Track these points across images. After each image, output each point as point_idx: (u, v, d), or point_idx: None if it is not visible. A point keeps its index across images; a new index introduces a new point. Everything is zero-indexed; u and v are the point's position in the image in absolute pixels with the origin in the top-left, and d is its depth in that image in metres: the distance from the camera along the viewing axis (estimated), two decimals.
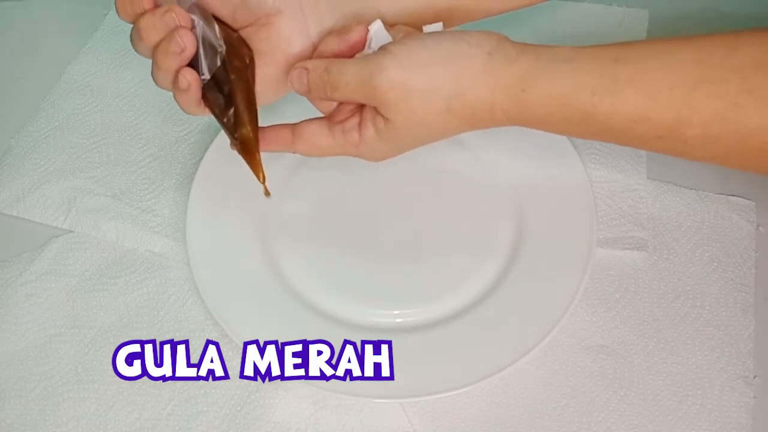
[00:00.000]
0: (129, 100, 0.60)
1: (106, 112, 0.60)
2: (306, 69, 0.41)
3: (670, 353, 0.46)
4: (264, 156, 0.42)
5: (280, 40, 0.42)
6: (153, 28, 0.40)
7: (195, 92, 0.41)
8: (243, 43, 0.42)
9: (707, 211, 0.51)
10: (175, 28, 0.40)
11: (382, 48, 0.39)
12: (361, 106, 0.42)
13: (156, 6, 0.41)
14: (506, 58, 0.38)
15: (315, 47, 0.43)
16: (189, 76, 0.40)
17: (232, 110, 0.41)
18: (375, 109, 0.40)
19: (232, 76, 0.41)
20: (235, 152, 0.43)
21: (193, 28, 0.40)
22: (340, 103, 0.43)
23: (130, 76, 0.62)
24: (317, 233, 0.51)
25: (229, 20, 0.42)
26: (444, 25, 0.42)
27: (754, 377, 0.45)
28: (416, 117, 0.39)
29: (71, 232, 0.53)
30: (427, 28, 0.41)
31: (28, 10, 0.67)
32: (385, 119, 0.39)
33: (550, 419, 0.44)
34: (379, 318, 0.47)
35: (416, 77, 0.38)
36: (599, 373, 0.45)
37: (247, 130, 0.41)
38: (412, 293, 0.48)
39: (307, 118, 0.44)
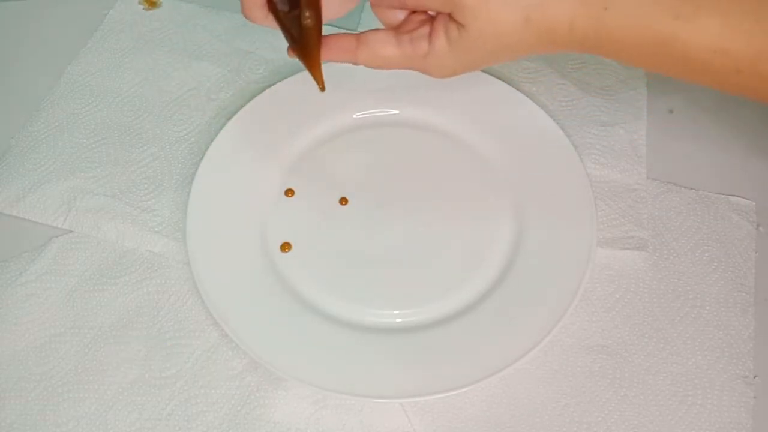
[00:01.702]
0: (129, 99, 0.60)
1: (106, 111, 0.59)
2: None
3: (670, 353, 0.46)
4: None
5: None
6: None
7: None
8: None
9: (707, 211, 0.51)
10: None
11: None
12: (431, 18, 0.40)
13: None
14: None
15: None
16: None
17: (296, 12, 0.40)
18: (449, 16, 0.38)
19: None
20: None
21: None
22: (410, 14, 0.42)
23: (131, 76, 0.62)
24: (317, 233, 0.51)
25: None
26: None
27: (754, 377, 0.45)
28: (493, 25, 0.37)
29: (71, 232, 0.53)
30: None
31: (28, 10, 0.67)
32: (460, 26, 0.38)
33: (550, 419, 0.44)
34: (379, 318, 0.47)
35: None
36: (599, 373, 0.45)
37: (311, 35, 0.40)
38: (412, 293, 0.48)
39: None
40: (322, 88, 0.42)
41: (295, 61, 0.42)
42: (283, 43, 0.42)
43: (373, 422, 0.44)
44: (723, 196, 0.52)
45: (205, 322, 0.48)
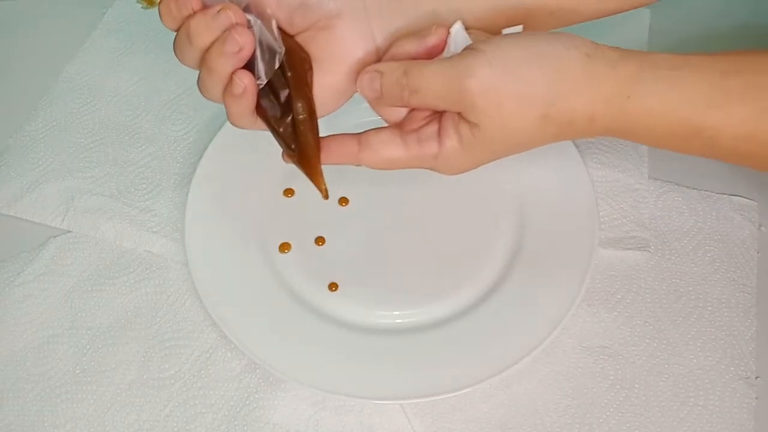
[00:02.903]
0: (127, 99, 0.60)
1: (105, 111, 0.59)
2: (379, 72, 0.37)
3: (671, 354, 0.46)
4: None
5: (342, 45, 0.38)
6: (206, 28, 0.36)
7: (251, 98, 0.37)
8: (300, 48, 0.39)
9: (709, 211, 0.51)
10: (231, 27, 0.35)
11: (470, 47, 0.36)
12: (437, 114, 0.38)
13: (205, 7, 0.36)
14: (607, 61, 0.35)
15: (379, 52, 0.39)
16: (245, 79, 0.36)
17: (289, 118, 0.37)
18: (459, 114, 0.36)
19: (292, 80, 0.37)
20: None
21: (249, 27, 0.36)
22: (412, 111, 0.39)
23: (129, 75, 0.61)
24: (317, 234, 0.51)
25: (285, 24, 0.38)
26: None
27: (756, 378, 0.45)
28: (508, 124, 0.35)
29: (69, 232, 0.52)
30: (506, 31, 0.37)
31: (26, 9, 0.66)
32: (472, 126, 0.36)
33: (552, 420, 0.44)
34: (379, 319, 0.47)
35: (510, 79, 0.34)
36: (601, 374, 0.45)
37: (308, 139, 0.38)
38: (413, 294, 0.48)
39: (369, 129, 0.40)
40: (326, 196, 0.39)
41: None
42: None
43: (373, 423, 0.44)
44: (725, 196, 0.52)
45: (203, 322, 0.48)
